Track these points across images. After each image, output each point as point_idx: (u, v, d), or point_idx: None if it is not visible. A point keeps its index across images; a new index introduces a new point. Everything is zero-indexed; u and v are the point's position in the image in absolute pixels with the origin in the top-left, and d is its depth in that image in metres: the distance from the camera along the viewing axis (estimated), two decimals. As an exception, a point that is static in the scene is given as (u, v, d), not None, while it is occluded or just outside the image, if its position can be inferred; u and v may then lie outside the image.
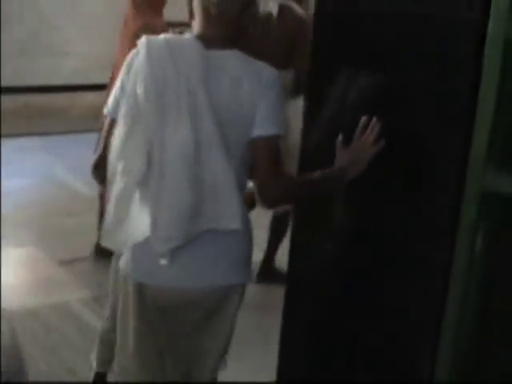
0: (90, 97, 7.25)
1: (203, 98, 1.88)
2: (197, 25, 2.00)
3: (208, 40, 1.95)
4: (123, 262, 2.07)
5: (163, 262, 1.94)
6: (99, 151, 2.09)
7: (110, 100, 2.03)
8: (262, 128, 1.93)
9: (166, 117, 1.88)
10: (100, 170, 2.05)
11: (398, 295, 2.05)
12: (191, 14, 2.06)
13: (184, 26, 2.76)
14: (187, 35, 2.00)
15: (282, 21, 3.66)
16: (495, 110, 1.74)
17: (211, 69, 1.91)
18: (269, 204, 2.05)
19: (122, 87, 1.98)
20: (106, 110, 2.05)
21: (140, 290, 2.03)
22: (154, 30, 2.74)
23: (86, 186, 5.01)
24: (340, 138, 2.03)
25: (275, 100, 1.95)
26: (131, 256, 2.03)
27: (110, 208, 1.99)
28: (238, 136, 1.94)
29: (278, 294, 2.52)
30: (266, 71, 1.96)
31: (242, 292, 2.12)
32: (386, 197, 2.05)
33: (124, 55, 2.15)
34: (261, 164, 1.95)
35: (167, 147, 1.88)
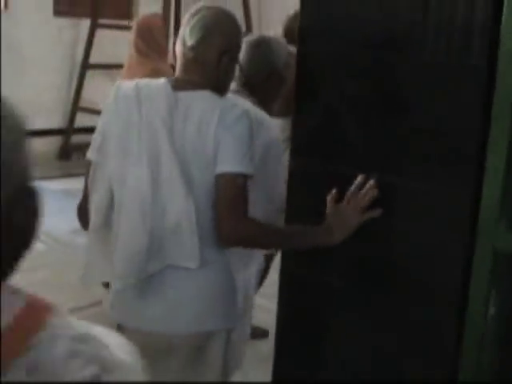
0: (36, 143, 7.15)
1: (165, 138, 1.90)
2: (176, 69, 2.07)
3: (179, 82, 2.00)
4: (107, 302, 2.12)
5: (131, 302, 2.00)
6: (82, 193, 2.13)
7: (92, 144, 2.07)
8: (223, 165, 1.91)
9: (128, 156, 1.94)
10: (83, 212, 2.10)
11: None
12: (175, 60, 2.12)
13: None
14: (162, 79, 2.03)
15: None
16: (506, 166, 1.66)
17: (178, 110, 1.94)
18: (224, 241, 1.95)
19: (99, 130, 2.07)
20: (88, 154, 2.08)
21: (120, 331, 2.01)
22: (162, 74, 3.00)
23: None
24: (332, 193, 1.96)
25: (240, 138, 1.92)
26: (112, 296, 2.08)
27: (88, 244, 2.08)
28: (202, 175, 1.93)
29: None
30: (231, 109, 1.95)
31: (226, 337, 2.04)
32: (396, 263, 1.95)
33: None
34: (220, 199, 1.91)
35: (126, 186, 1.94)
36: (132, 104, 1.96)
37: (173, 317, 1.97)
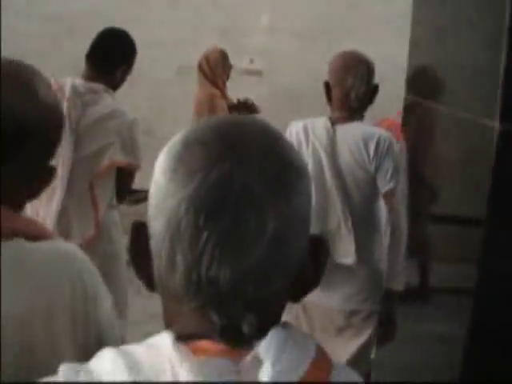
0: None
1: (327, 164, 2.53)
2: (331, 110, 2.66)
3: (336, 119, 2.61)
4: None
5: None
6: None
7: None
8: (387, 184, 2.54)
9: None
10: None
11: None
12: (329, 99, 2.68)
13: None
14: (322, 118, 2.64)
15: None
16: None
17: (336, 139, 2.56)
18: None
19: None
20: None
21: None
22: (215, 99, 4.57)
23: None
24: None
25: (394, 161, 2.54)
26: None
27: None
28: (359, 192, 2.55)
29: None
30: (379, 136, 2.53)
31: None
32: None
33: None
34: (390, 210, 2.58)
35: None
36: (302, 137, 2.60)
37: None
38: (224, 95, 4.80)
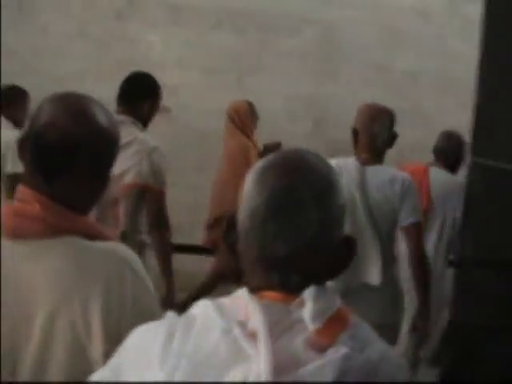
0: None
1: (359, 199, 2.95)
2: (357, 153, 3.11)
3: (363, 160, 3.05)
4: None
5: None
6: None
7: None
8: (410, 217, 3.03)
9: None
10: None
11: None
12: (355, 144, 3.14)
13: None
14: (351, 158, 3.09)
15: None
16: None
17: (365, 178, 2.99)
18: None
19: None
20: None
21: None
22: (247, 148, 4.83)
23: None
24: None
25: (415, 197, 3.05)
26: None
27: None
28: (387, 223, 3.01)
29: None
30: (403, 178, 3.03)
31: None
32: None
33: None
34: (411, 242, 3.10)
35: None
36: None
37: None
38: (255, 145, 5.00)
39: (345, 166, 3.00)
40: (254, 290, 1.04)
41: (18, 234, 1.34)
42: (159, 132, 5.33)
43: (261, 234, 1.04)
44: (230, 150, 4.94)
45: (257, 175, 1.08)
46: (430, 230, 3.95)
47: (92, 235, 1.38)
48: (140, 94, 3.33)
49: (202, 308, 1.03)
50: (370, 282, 2.97)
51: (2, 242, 1.34)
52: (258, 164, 1.11)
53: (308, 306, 1.00)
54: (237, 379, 0.93)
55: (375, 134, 3.07)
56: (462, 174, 4.21)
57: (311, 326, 0.98)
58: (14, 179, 3.96)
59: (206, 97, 5.84)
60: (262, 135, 5.03)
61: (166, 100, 5.96)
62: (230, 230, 1.12)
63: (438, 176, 4.10)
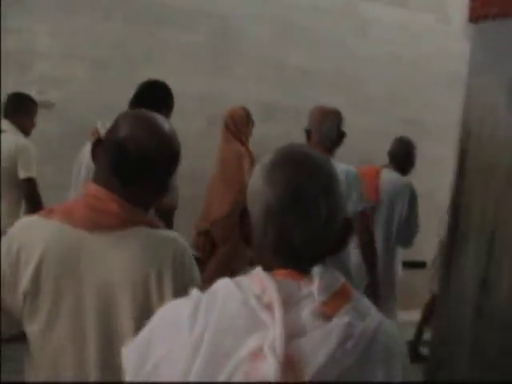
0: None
1: None
2: None
3: None
4: None
5: None
6: None
7: None
8: (353, 207, 3.43)
9: None
10: None
11: None
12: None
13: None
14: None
15: None
16: None
17: None
18: None
19: None
20: None
21: None
22: (242, 156, 4.97)
23: None
24: None
25: (358, 188, 3.53)
26: None
27: None
28: None
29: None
30: (348, 170, 3.45)
31: None
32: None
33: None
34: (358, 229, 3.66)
35: None
36: None
37: None
38: (249, 151, 5.07)
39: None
40: (268, 270, 1.20)
41: (95, 227, 1.64)
42: (43, 128, 5.10)
43: (278, 225, 1.20)
44: (224, 156, 5.10)
45: (267, 172, 1.22)
46: (377, 222, 4.59)
47: (153, 225, 1.71)
48: (153, 102, 3.21)
49: (222, 284, 1.20)
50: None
51: (78, 233, 1.63)
52: (265, 161, 1.24)
53: (316, 282, 1.17)
54: (255, 344, 1.09)
55: (325, 132, 3.49)
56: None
57: (319, 299, 1.15)
58: (30, 182, 4.42)
59: (94, 90, 5.58)
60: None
61: (52, 93, 5.69)
62: (243, 223, 1.29)
63: (389, 176, 4.76)
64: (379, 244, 4.35)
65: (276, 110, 6.22)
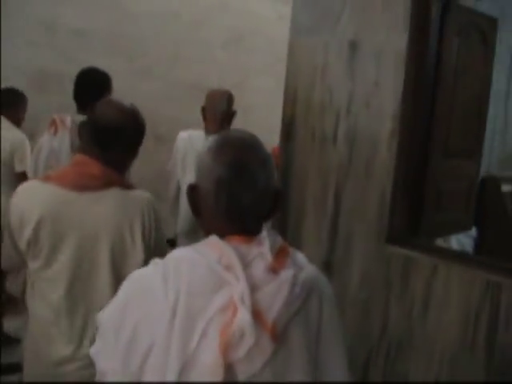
0: None
1: None
2: (205, 125, 4.07)
3: (208, 131, 3.99)
4: None
5: None
6: None
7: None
8: None
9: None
10: None
11: None
12: None
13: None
14: (199, 131, 4.03)
15: None
16: None
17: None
18: None
19: None
20: (168, 168, 4.22)
21: None
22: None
23: None
24: None
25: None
26: None
27: None
28: None
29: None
30: None
31: None
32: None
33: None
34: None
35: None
36: (187, 144, 4.10)
37: None
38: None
39: (195, 136, 4.01)
40: (221, 237, 1.41)
41: (81, 188, 2.13)
42: None
43: (228, 193, 1.42)
44: None
45: (215, 153, 1.45)
46: None
47: (128, 186, 2.24)
48: (90, 92, 3.54)
49: (185, 252, 1.41)
50: None
51: (69, 193, 2.12)
52: (211, 145, 1.48)
53: (266, 243, 1.41)
54: (222, 300, 1.32)
55: (217, 111, 3.98)
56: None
57: (269, 257, 1.39)
58: (23, 176, 4.56)
59: None
60: None
61: None
62: (193, 197, 1.49)
63: None
64: None
65: (49, 77, 5.68)
